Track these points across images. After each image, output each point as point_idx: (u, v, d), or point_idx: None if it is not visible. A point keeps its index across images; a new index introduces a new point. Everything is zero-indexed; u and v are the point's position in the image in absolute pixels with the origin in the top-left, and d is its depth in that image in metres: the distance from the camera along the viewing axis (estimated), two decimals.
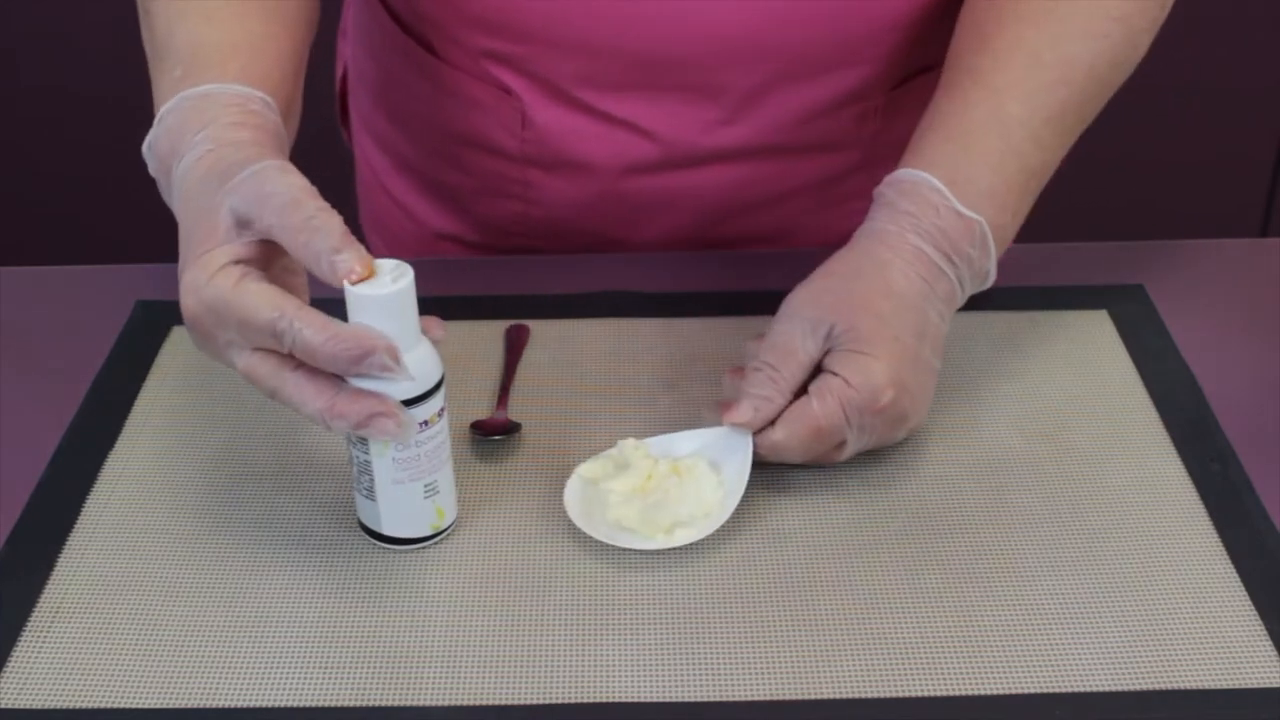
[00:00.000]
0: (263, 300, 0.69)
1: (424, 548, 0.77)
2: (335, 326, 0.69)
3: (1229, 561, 0.76)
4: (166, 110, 0.79)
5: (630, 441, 0.80)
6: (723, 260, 1.02)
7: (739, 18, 0.92)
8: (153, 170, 0.80)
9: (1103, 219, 1.75)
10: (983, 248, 0.83)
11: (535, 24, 0.94)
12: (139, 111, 2.37)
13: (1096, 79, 0.87)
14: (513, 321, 0.94)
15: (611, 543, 0.76)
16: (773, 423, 0.79)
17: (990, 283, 0.85)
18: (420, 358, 0.72)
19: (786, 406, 0.79)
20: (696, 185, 1.01)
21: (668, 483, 0.78)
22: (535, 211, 1.05)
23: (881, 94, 0.99)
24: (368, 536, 0.77)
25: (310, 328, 0.68)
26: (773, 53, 0.94)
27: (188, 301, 0.72)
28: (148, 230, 2.14)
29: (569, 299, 0.96)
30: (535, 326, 0.94)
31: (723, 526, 0.77)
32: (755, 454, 0.79)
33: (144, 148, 0.80)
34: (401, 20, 1.03)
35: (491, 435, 0.84)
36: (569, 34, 0.94)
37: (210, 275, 0.71)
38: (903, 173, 0.84)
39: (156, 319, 0.95)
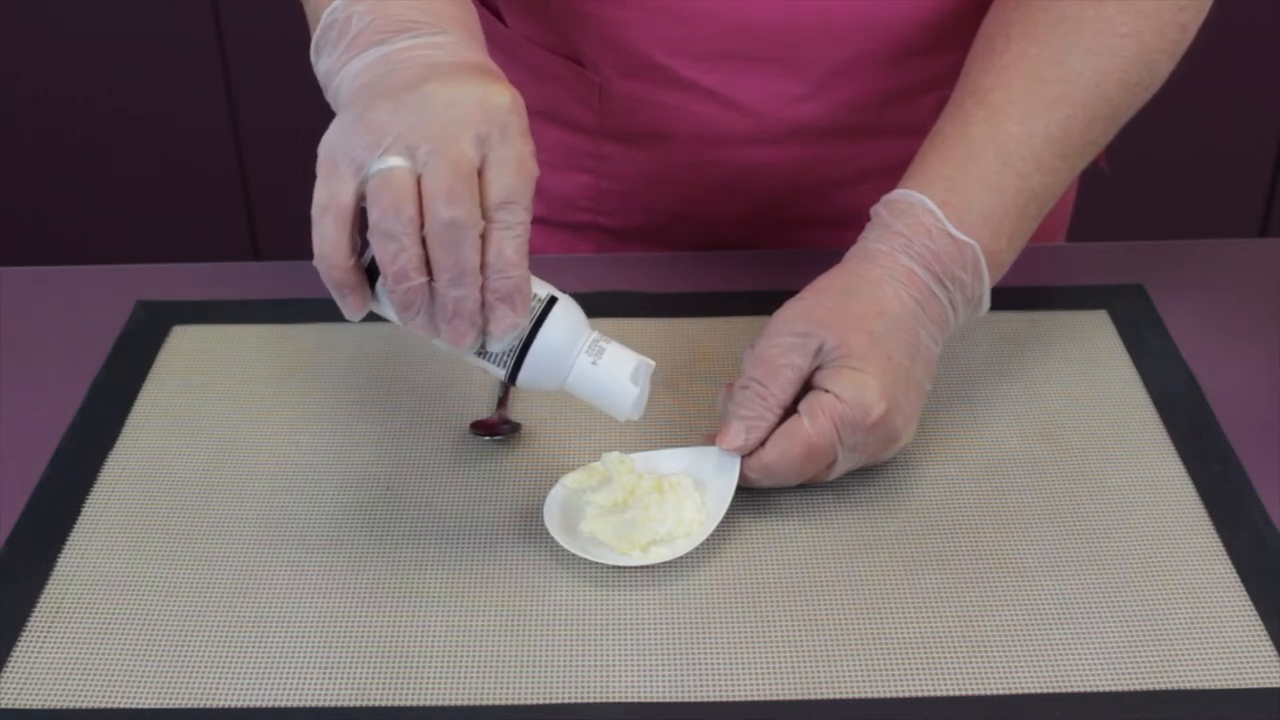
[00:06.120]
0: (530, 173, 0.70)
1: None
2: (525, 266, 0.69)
3: (1229, 561, 0.76)
4: None
5: (614, 455, 0.79)
6: (725, 260, 1.02)
7: None
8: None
9: (1103, 219, 1.75)
10: (975, 272, 0.82)
11: None
12: (139, 112, 2.35)
13: (1104, 98, 0.84)
14: None
15: (585, 556, 0.75)
16: (763, 443, 0.78)
17: (984, 310, 0.84)
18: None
19: (776, 423, 0.78)
20: (774, 160, 1.00)
21: (649, 499, 0.77)
22: (607, 185, 1.05)
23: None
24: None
25: (520, 230, 0.69)
26: (867, 30, 0.94)
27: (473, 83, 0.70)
28: (148, 230, 2.16)
29: None
30: None
31: (721, 529, 0.77)
32: (745, 478, 0.78)
33: None
34: None
35: (491, 435, 0.84)
36: None
37: (516, 101, 0.70)
38: (898, 193, 0.83)
39: (156, 319, 0.95)
